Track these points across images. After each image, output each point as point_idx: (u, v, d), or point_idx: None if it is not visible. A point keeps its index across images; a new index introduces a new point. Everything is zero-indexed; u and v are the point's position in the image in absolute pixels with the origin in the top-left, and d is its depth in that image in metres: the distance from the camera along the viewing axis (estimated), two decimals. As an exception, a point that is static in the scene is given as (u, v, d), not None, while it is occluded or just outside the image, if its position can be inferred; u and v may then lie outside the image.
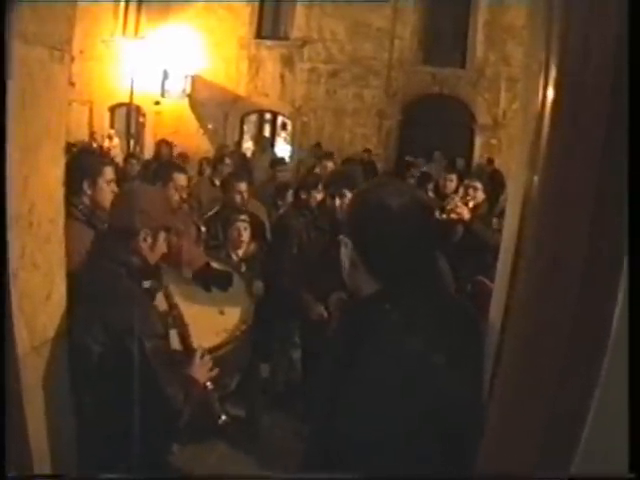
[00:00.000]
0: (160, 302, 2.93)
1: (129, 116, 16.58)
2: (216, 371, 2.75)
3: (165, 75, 16.80)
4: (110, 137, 15.65)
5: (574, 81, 1.10)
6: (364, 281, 1.66)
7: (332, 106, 16.40)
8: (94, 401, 2.46)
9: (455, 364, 1.47)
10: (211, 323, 3.30)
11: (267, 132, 17.81)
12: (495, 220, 4.94)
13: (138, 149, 16.35)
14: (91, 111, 17.42)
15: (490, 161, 13.47)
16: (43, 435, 2.35)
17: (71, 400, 2.49)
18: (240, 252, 4.59)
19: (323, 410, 1.72)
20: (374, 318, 1.59)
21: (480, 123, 15.71)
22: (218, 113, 17.01)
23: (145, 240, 2.61)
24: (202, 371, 2.69)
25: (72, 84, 10.49)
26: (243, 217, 4.68)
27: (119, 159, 11.34)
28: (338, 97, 16.34)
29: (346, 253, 1.67)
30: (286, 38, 16.69)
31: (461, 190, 5.51)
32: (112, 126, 17.36)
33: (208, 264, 3.74)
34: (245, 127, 17.77)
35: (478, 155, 15.49)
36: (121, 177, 5.10)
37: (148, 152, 15.09)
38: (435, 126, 15.00)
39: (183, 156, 10.71)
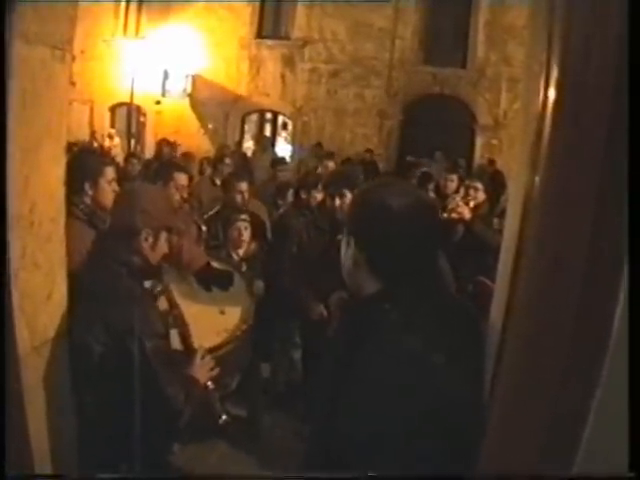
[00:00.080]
0: (161, 302, 2.93)
1: (130, 116, 16.59)
2: (217, 371, 2.75)
3: (166, 75, 16.80)
4: (111, 137, 15.65)
5: (575, 81, 1.10)
6: (366, 280, 1.66)
7: (333, 106, 16.40)
8: (95, 401, 2.46)
9: (456, 364, 1.47)
10: (212, 323, 3.30)
11: (268, 132, 17.81)
12: (496, 220, 4.94)
13: (139, 149, 16.36)
14: (92, 111, 17.43)
15: (491, 162, 13.46)
16: (44, 435, 2.35)
17: (72, 400, 2.49)
18: (241, 252, 4.59)
19: (324, 410, 1.72)
20: (375, 318, 1.59)
21: (481, 123, 15.70)
22: (219, 113, 17.01)
23: (146, 240, 2.61)
24: (203, 371, 2.69)
25: (73, 84, 10.48)
26: (244, 217, 4.68)
27: (120, 159, 11.33)
28: (339, 97, 16.34)
29: (348, 252, 1.67)
30: (287, 38, 16.69)
31: (462, 190, 5.52)
32: (113, 126, 17.36)
33: (209, 264, 3.74)
34: (246, 127, 17.78)
35: (479, 155, 15.49)
36: (122, 177, 5.10)
37: (149, 152, 15.09)
38: (436, 126, 14.99)
39: (187, 156, 10.69)
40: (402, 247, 1.60)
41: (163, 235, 2.68)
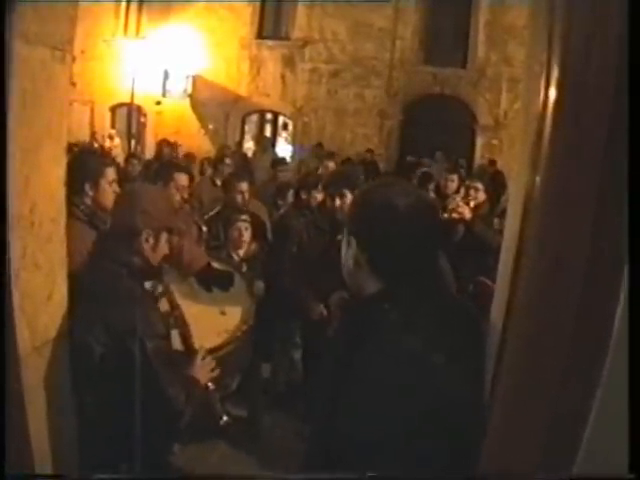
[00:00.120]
0: (162, 303, 2.94)
1: (130, 116, 16.60)
2: (217, 372, 2.75)
3: (166, 75, 16.82)
4: (111, 137, 15.66)
5: (576, 81, 1.10)
6: (367, 280, 1.66)
7: (333, 106, 16.40)
8: (95, 401, 2.46)
9: (456, 364, 1.47)
10: (212, 323, 3.30)
11: (268, 132, 17.82)
12: (496, 220, 4.95)
13: (139, 149, 16.36)
14: (92, 111, 17.44)
15: (492, 162, 13.45)
16: (44, 435, 2.35)
17: (72, 400, 2.49)
18: (241, 252, 4.59)
19: (324, 410, 1.72)
20: (375, 317, 1.59)
21: (481, 123, 15.71)
22: (219, 113, 17.02)
23: (147, 241, 2.61)
24: (203, 372, 2.69)
25: (73, 84, 10.48)
26: (244, 217, 4.68)
27: (120, 159, 11.33)
28: (339, 97, 16.35)
29: (349, 252, 1.67)
30: (287, 38, 16.70)
31: (462, 190, 5.53)
32: (113, 126, 17.38)
33: (209, 264, 3.74)
34: (246, 127, 17.79)
35: (479, 155, 15.50)
36: (122, 177, 5.09)
37: (149, 152, 15.09)
38: (436, 126, 14.99)
39: (190, 156, 10.69)
40: (404, 247, 1.60)
41: (164, 236, 2.68)
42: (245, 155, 13.29)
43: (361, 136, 16.20)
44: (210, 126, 17.08)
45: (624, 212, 1.01)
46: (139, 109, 17.08)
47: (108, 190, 3.37)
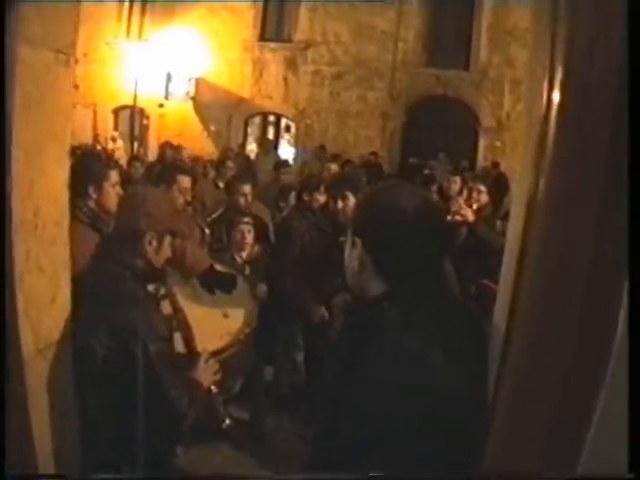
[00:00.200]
0: (165, 306, 2.94)
1: (133, 118, 16.60)
2: (220, 375, 2.75)
3: (169, 78, 16.82)
4: (114, 139, 15.65)
5: (579, 83, 1.10)
6: (371, 282, 1.66)
7: (336, 108, 16.41)
8: (98, 404, 2.46)
9: (459, 366, 1.48)
10: (215, 326, 3.30)
11: (271, 134, 17.80)
12: (499, 222, 4.95)
13: (142, 151, 16.36)
14: (95, 114, 17.44)
15: (495, 164, 13.45)
16: (47, 438, 2.35)
17: (75, 403, 2.49)
18: (244, 254, 4.59)
19: (327, 412, 1.72)
20: (380, 319, 1.59)
21: (484, 125, 15.71)
22: (222, 116, 17.03)
23: (150, 243, 2.61)
24: (206, 374, 2.69)
25: (76, 87, 10.50)
26: (247, 219, 4.68)
27: (123, 161, 11.33)
28: (342, 99, 16.35)
29: (354, 253, 1.67)
30: (290, 40, 16.71)
31: (465, 192, 5.54)
32: (116, 128, 17.36)
33: (212, 267, 3.74)
34: (249, 129, 17.79)
35: (482, 157, 15.49)
36: (125, 180, 5.10)
37: (152, 155, 15.09)
38: (439, 128, 14.99)
39: (196, 159, 10.69)
40: (410, 249, 1.61)
41: (167, 239, 2.68)
42: (248, 157, 13.26)
43: (364, 138, 16.20)
44: (212, 127, 17.09)
45: (625, 213, 1.01)
46: (142, 111, 17.09)
47: (111, 193, 3.37)
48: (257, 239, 4.71)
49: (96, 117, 17.50)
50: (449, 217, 4.43)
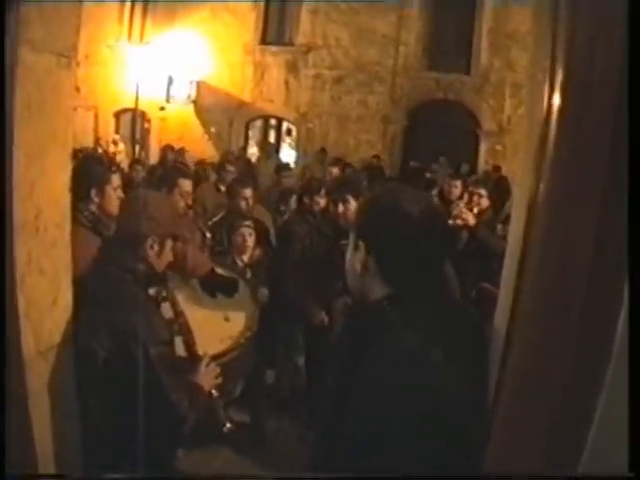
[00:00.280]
0: (166, 310, 2.94)
1: (134, 122, 16.59)
2: (221, 378, 2.76)
3: (170, 81, 16.83)
4: (115, 143, 15.66)
5: (580, 84, 1.10)
6: (373, 285, 1.66)
7: (337, 112, 16.40)
8: (99, 406, 2.46)
9: (460, 369, 1.48)
10: (216, 330, 3.30)
11: (272, 138, 17.80)
12: (500, 226, 4.96)
13: (143, 155, 16.36)
14: (96, 117, 17.46)
15: (496, 168, 13.43)
16: (48, 439, 2.35)
17: (76, 405, 2.50)
18: (245, 258, 4.60)
19: (328, 415, 1.72)
20: (381, 321, 1.59)
21: (485, 129, 15.70)
22: (223, 119, 17.04)
23: (152, 247, 2.61)
24: (207, 378, 2.70)
25: (77, 89, 10.51)
26: (248, 223, 4.68)
27: (124, 165, 11.34)
28: (343, 103, 16.35)
29: (357, 256, 1.67)
30: (291, 44, 16.72)
31: (466, 196, 5.54)
32: (117, 131, 17.36)
33: (213, 270, 3.75)
34: (250, 133, 17.79)
35: (483, 161, 15.47)
36: (126, 183, 5.11)
37: (153, 158, 15.10)
38: (440, 132, 14.98)
39: (197, 163, 10.66)
40: (413, 252, 1.61)
41: (169, 243, 2.68)
42: (249, 161, 13.27)
43: (365, 142, 16.20)
44: (213, 130, 17.09)
45: (625, 214, 1.02)
46: (143, 115, 17.08)
47: (113, 196, 3.37)
48: (258, 242, 4.71)
49: (97, 120, 17.51)
50: (450, 221, 4.43)
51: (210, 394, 2.70)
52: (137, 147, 16.66)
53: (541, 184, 1.18)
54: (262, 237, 4.83)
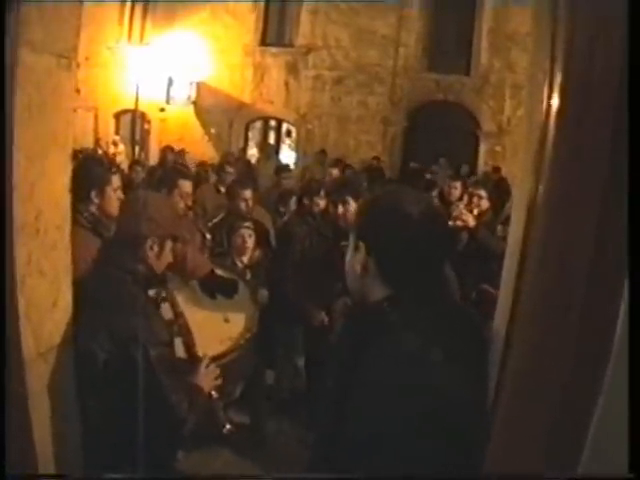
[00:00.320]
0: (165, 311, 2.94)
1: (134, 123, 16.61)
2: (221, 380, 2.75)
3: (170, 82, 16.82)
4: (115, 144, 15.66)
5: (579, 85, 1.10)
6: (373, 286, 1.66)
7: (337, 113, 16.40)
8: (99, 408, 2.46)
9: (460, 370, 1.48)
10: (216, 331, 3.30)
11: (272, 139, 17.81)
12: (500, 227, 4.96)
13: (143, 156, 16.36)
14: (96, 118, 17.46)
15: (495, 169, 13.43)
16: (48, 441, 2.35)
17: (76, 406, 2.50)
18: (245, 259, 4.59)
19: (328, 416, 1.73)
20: (381, 322, 1.59)
21: (485, 130, 15.69)
22: (223, 120, 17.03)
23: (152, 248, 2.61)
24: (207, 380, 2.70)
25: (77, 91, 10.49)
26: (247, 224, 4.68)
27: (124, 166, 11.34)
28: (343, 104, 16.34)
29: (357, 257, 1.67)
30: (291, 45, 16.71)
31: (465, 197, 5.54)
32: (117, 132, 17.37)
33: (213, 271, 3.74)
34: (250, 134, 17.78)
35: (483, 162, 15.46)
36: (126, 184, 5.11)
37: (153, 159, 15.10)
38: (440, 133, 14.98)
39: (197, 164, 10.66)
40: (413, 254, 1.61)
41: (168, 244, 2.68)
42: (249, 162, 13.27)
43: (364, 143, 16.19)
44: (213, 132, 17.09)
45: (625, 214, 1.02)
46: (143, 116, 17.08)
47: (113, 197, 3.37)
48: (258, 244, 4.71)
49: (97, 121, 17.51)
50: (450, 222, 4.43)
51: (210, 395, 2.70)
52: (137, 148, 16.67)
53: (541, 185, 1.18)
54: (262, 238, 4.82)
